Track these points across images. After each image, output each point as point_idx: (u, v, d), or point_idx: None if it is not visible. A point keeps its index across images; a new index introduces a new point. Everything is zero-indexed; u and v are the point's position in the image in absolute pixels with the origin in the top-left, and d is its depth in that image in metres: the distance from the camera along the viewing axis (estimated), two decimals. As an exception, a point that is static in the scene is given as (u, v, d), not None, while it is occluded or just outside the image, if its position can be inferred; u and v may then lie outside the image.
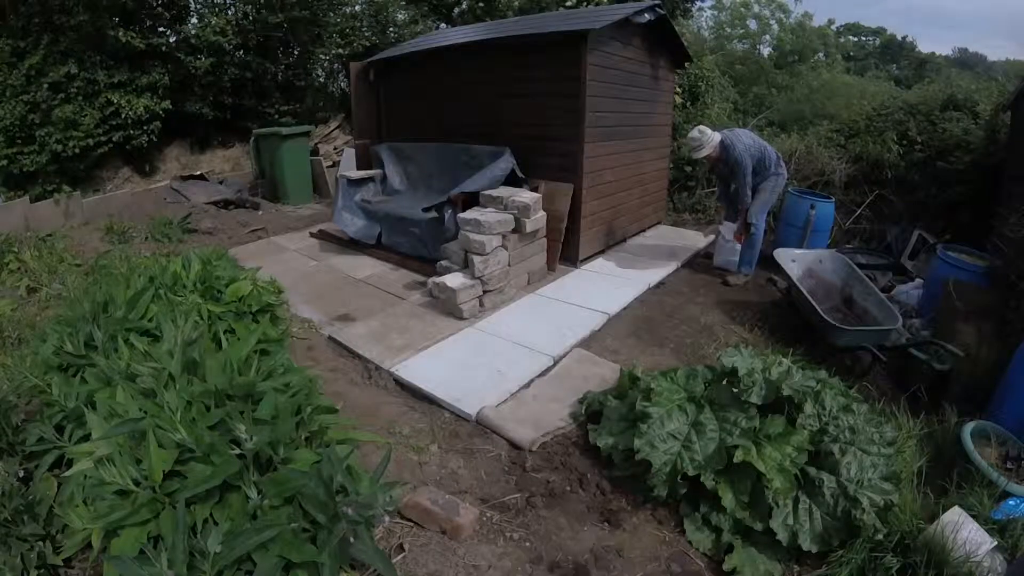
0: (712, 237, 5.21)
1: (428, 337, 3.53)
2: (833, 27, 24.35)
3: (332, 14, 9.22)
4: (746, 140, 4.47)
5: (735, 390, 2.34)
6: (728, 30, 19.36)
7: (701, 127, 4.55)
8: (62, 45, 7.07)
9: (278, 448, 1.76)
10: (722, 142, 4.45)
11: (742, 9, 19.92)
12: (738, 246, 4.72)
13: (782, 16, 20.27)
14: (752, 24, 19.97)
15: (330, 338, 3.58)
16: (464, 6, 10.74)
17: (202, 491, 1.60)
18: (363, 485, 1.71)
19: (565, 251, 4.78)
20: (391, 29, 9.58)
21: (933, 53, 30.94)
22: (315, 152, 8.49)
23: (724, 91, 9.44)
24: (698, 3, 11.93)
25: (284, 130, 7.44)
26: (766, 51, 19.88)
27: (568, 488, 2.35)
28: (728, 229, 4.83)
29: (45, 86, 7.01)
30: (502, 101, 5.00)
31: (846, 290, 3.97)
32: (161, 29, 8.14)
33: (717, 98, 8.69)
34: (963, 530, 1.83)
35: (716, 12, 19.61)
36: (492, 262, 3.93)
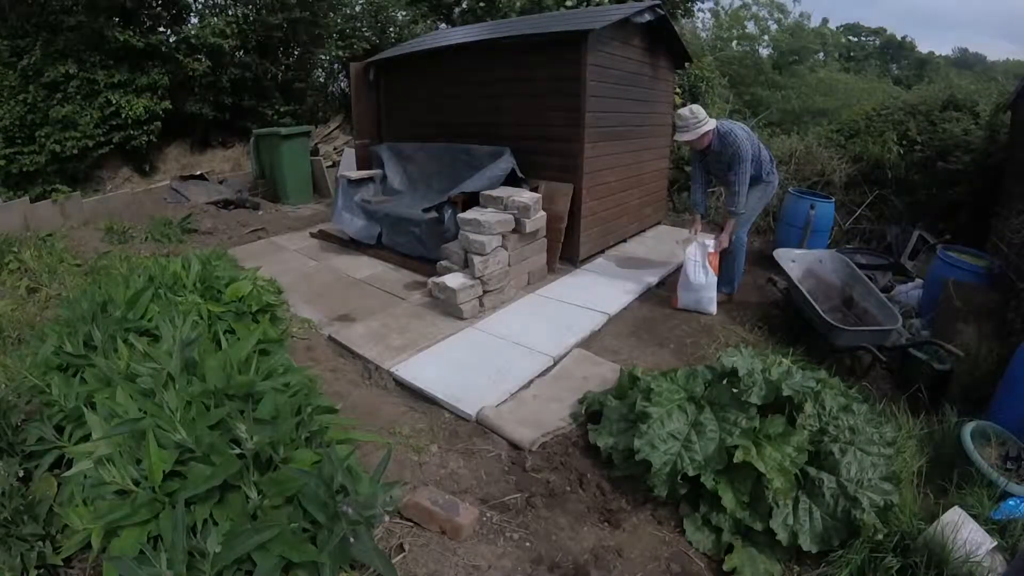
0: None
1: (428, 337, 3.53)
2: (828, 26, 24.37)
3: (332, 15, 9.22)
4: (742, 134, 3.88)
5: (735, 390, 2.34)
6: (726, 32, 19.38)
7: (695, 107, 3.85)
8: (60, 44, 7.07)
9: (278, 448, 1.76)
10: (718, 130, 3.87)
11: (740, 11, 19.94)
12: (713, 276, 3.97)
13: (781, 16, 20.31)
14: (750, 26, 20.01)
15: (330, 338, 3.58)
16: (464, 6, 10.74)
17: (202, 491, 1.60)
18: (363, 485, 1.71)
19: (565, 251, 4.78)
20: (391, 29, 9.59)
21: (933, 53, 30.93)
22: (315, 152, 8.49)
23: (723, 92, 9.44)
24: (698, 3, 11.92)
25: (284, 130, 7.44)
26: (765, 52, 19.91)
27: (568, 488, 2.35)
28: (700, 249, 3.99)
29: (43, 86, 7.02)
30: (502, 101, 5.00)
31: (846, 290, 3.97)
32: (161, 29, 8.14)
33: (717, 99, 8.69)
34: (963, 530, 1.83)
35: (713, 16, 19.65)
36: (492, 262, 3.93)
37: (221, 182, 7.84)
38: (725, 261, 4.21)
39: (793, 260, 4.16)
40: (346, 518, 1.53)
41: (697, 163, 4.24)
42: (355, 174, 5.68)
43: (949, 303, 3.58)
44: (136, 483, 1.62)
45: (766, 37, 20.08)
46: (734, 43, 19.00)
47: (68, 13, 6.93)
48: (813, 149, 6.64)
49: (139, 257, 4.54)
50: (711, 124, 3.86)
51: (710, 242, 4.07)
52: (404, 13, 10.04)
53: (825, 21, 24.40)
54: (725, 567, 1.97)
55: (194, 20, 8.56)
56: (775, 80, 15.92)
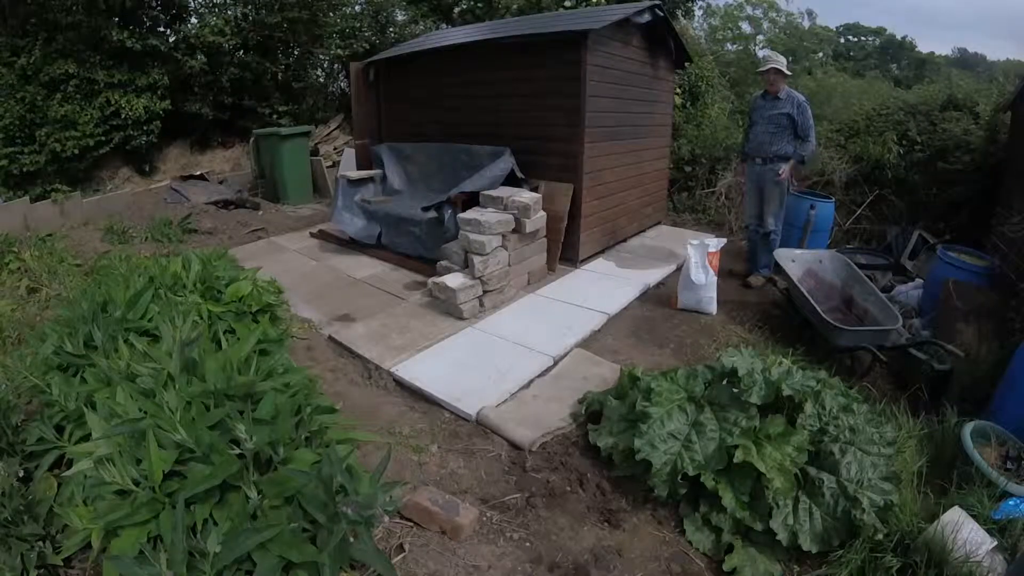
0: (723, 241, 4.29)
1: (428, 337, 3.53)
2: (817, 23, 24.25)
3: (332, 14, 9.22)
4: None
5: (735, 390, 2.34)
6: (721, 33, 19.34)
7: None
8: (59, 44, 7.06)
9: (278, 448, 1.76)
10: (786, 87, 4.50)
11: (735, 12, 19.93)
12: (713, 276, 4.02)
13: (775, 16, 20.27)
14: (745, 26, 19.98)
15: (330, 338, 3.58)
16: (464, 6, 10.73)
17: (202, 491, 1.60)
18: (363, 485, 1.71)
19: (565, 251, 4.78)
20: (391, 29, 9.58)
21: (933, 53, 30.93)
22: (315, 152, 8.48)
23: (725, 92, 9.44)
24: (699, 2, 11.89)
25: (284, 130, 7.43)
26: (761, 53, 19.86)
27: (568, 488, 2.34)
28: (700, 249, 4.03)
29: (42, 85, 7.01)
30: (502, 101, 5.00)
31: (846, 290, 3.97)
32: (160, 29, 8.14)
33: (717, 98, 8.69)
34: (963, 530, 1.83)
35: (709, 17, 19.60)
36: (492, 262, 3.93)
37: (221, 182, 7.84)
38: (763, 249, 4.67)
39: (793, 260, 4.17)
40: (346, 518, 1.52)
41: (753, 110, 4.75)
42: (355, 174, 5.68)
43: (949, 303, 3.58)
44: (136, 483, 1.62)
45: (761, 37, 20.06)
46: (730, 44, 18.96)
47: (67, 12, 6.92)
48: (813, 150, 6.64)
49: (139, 257, 4.53)
50: (789, 74, 4.51)
51: (710, 242, 4.08)
52: (404, 13, 10.03)
53: (812, 15, 24.18)
54: (725, 567, 1.97)
55: (193, 20, 8.55)
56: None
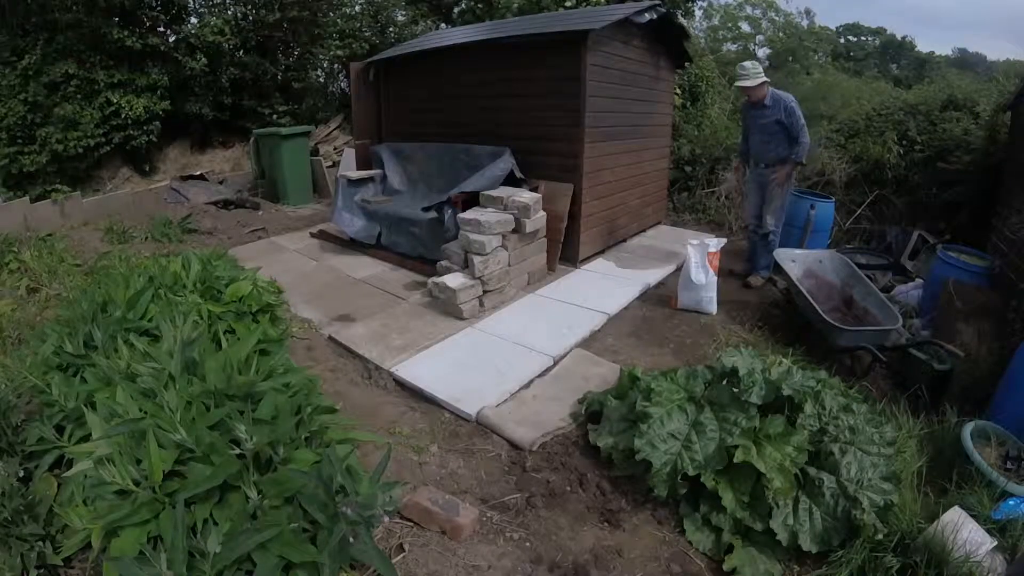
0: (723, 241, 4.29)
1: (428, 337, 3.53)
2: (815, 21, 24.21)
3: (332, 14, 9.23)
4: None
5: (735, 390, 2.34)
6: (721, 33, 19.35)
7: (755, 61, 4.42)
8: (59, 43, 7.07)
9: (278, 448, 1.76)
10: (772, 90, 4.37)
11: (734, 12, 19.95)
12: (713, 276, 4.04)
13: (774, 16, 20.28)
14: (745, 26, 19.98)
15: (330, 338, 3.58)
16: (464, 6, 10.74)
17: (202, 491, 1.60)
18: (363, 485, 1.71)
19: (565, 251, 4.78)
20: (391, 29, 9.59)
21: (932, 53, 30.93)
22: (315, 152, 8.48)
23: (725, 92, 9.44)
24: (699, 2, 11.88)
25: (284, 130, 7.43)
26: (761, 52, 19.84)
27: (568, 488, 2.34)
28: (700, 249, 4.06)
29: (43, 85, 7.02)
30: (502, 101, 4.99)
31: (846, 290, 3.97)
32: (160, 29, 8.15)
33: (717, 98, 8.69)
34: (963, 530, 1.83)
35: (709, 17, 19.59)
36: (492, 262, 3.93)
37: (221, 182, 7.84)
38: (763, 249, 4.64)
39: (793, 260, 4.17)
40: (346, 518, 1.52)
41: (746, 118, 4.72)
42: (355, 174, 5.68)
43: (949, 303, 3.57)
44: (136, 483, 1.62)
45: (760, 37, 20.06)
46: (730, 44, 18.97)
47: (67, 12, 6.92)
48: (813, 149, 6.63)
49: (139, 257, 4.53)
50: (767, 79, 4.32)
51: (710, 242, 4.08)
52: (404, 13, 10.04)
53: (810, 14, 24.10)
54: (725, 567, 1.97)
55: (193, 20, 8.57)
56: (773, 80, 15.87)
